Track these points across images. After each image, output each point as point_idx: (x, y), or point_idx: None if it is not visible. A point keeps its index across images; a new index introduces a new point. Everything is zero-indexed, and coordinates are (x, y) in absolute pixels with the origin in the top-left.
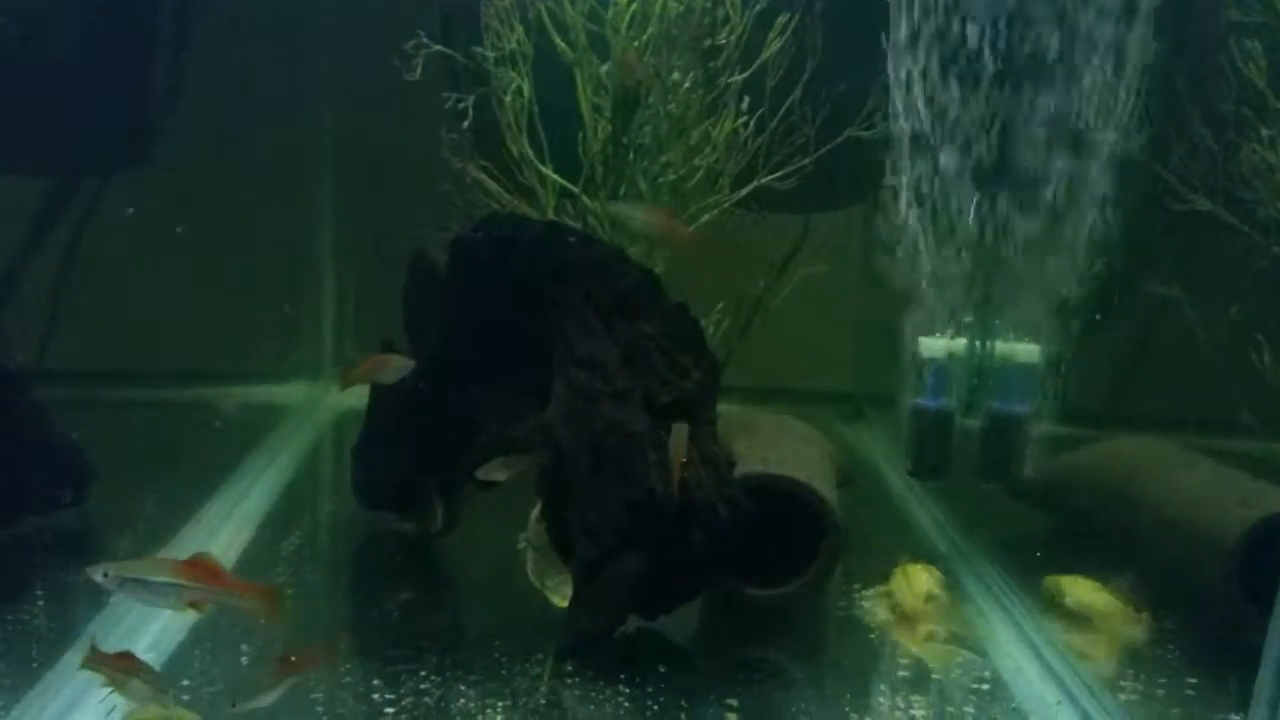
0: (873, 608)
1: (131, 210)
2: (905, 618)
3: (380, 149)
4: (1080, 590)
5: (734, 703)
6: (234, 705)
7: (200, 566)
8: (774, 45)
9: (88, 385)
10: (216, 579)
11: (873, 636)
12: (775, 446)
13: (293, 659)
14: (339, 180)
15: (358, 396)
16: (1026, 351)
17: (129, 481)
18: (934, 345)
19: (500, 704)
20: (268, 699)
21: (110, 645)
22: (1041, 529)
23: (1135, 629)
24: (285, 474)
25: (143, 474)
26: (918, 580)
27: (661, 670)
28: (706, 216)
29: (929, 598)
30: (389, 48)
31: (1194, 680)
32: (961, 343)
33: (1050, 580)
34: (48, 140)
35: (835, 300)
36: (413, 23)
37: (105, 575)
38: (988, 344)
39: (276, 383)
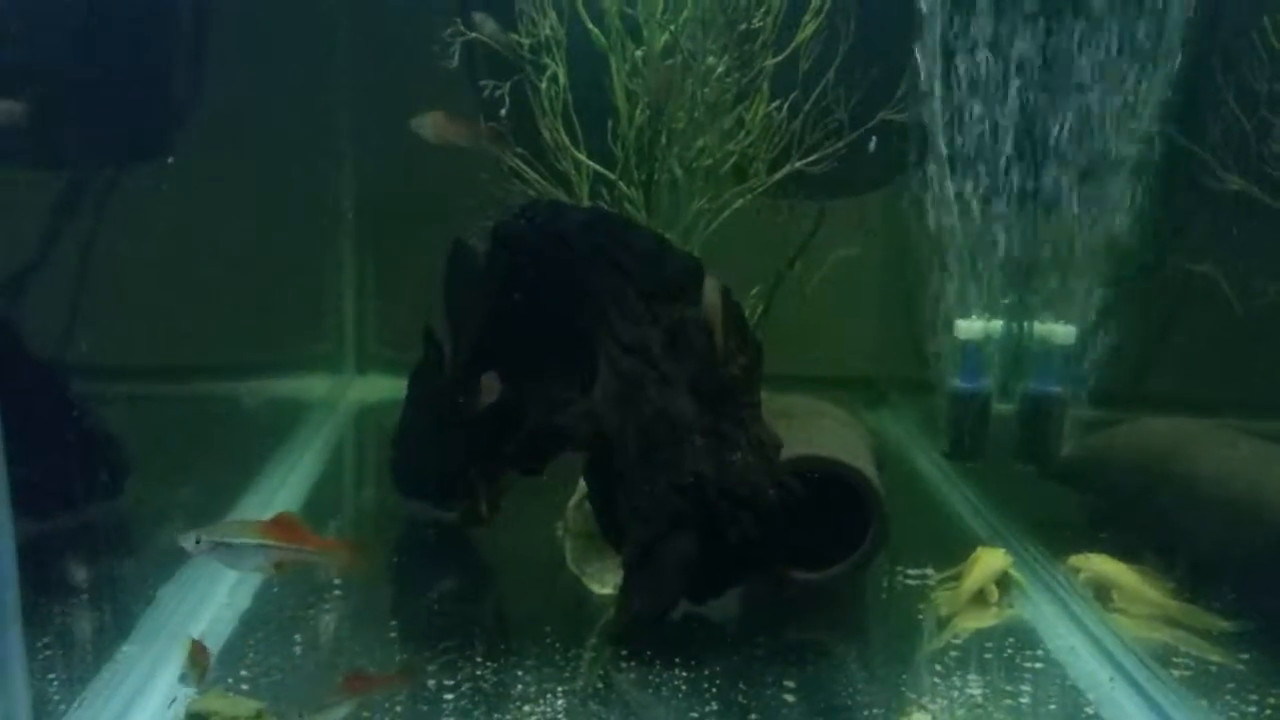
0: (938, 590)
1: (171, 159)
2: (974, 599)
3: (402, 138)
4: (1096, 563)
5: (791, 684)
6: (301, 717)
7: (284, 525)
8: (808, 28)
9: (110, 379)
10: (302, 538)
11: (921, 618)
12: (818, 430)
13: (366, 678)
14: (360, 172)
15: (378, 390)
16: (1064, 332)
17: (164, 474)
18: (971, 327)
19: (559, 688)
20: (337, 714)
21: (162, 637)
22: (1078, 510)
23: (1171, 603)
24: (317, 466)
25: (177, 467)
26: (993, 560)
27: (714, 653)
28: (740, 202)
29: (1001, 579)
30: (412, 33)
31: (1246, 656)
32: (998, 324)
33: (1076, 559)
34: (68, 133)
35: (856, 284)
36: (433, 9)
37: (197, 542)
38: (1025, 325)
39: (299, 376)
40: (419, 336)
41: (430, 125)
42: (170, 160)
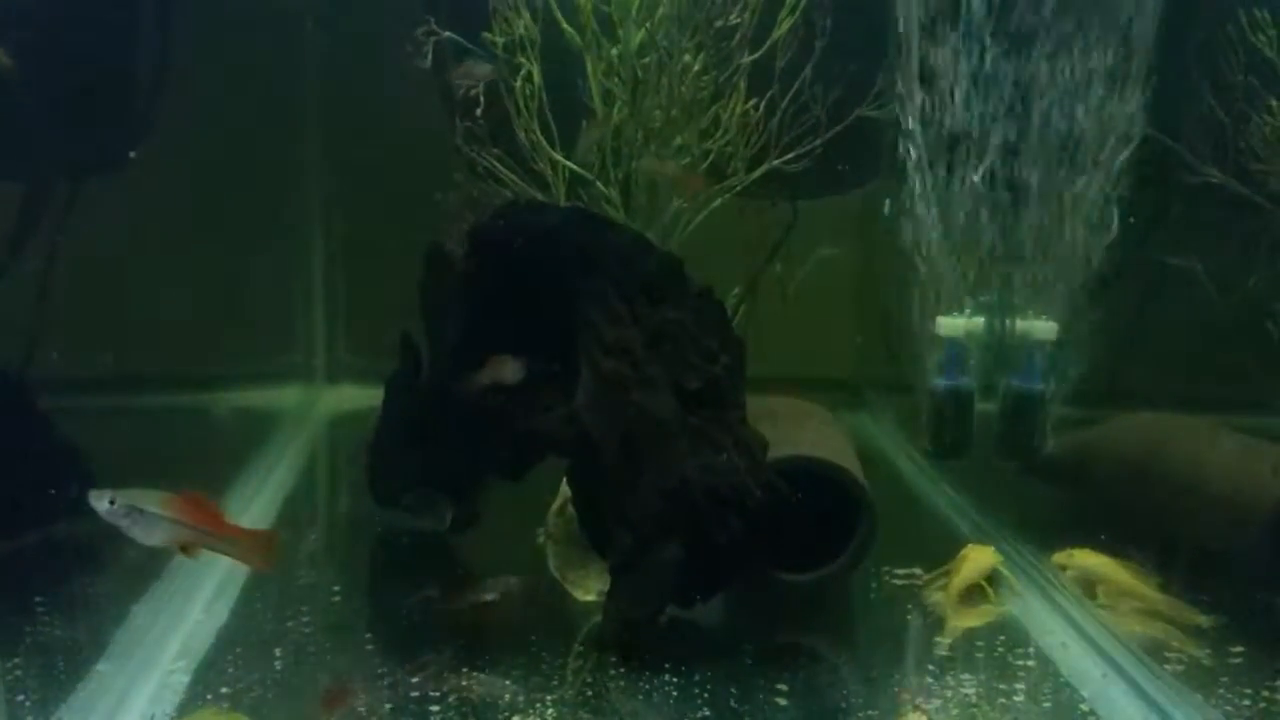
0: (927, 589)
1: (133, 154)
2: (964, 597)
3: (373, 144)
4: (1081, 559)
5: (783, 688)
6: None
7: (196, 505)
8: (785, 25)
9: (77, 391)
10: (212, 521)
11: (911, 618)
12: (804, 429)
13: (348, 691)
14: (330, 180)
15: (350, 399)
16: (1044, 328)
17: (132, 486)
18: (952, 324)
19: (548, 697)
20: None
21: (136, 655)
22: (1062, 506)
23: (1157, 597)
24: (290, 477)
25: (147, 481)
26: (982, 557)
27: (704, 658)
28: (719, 200)
29: (991, 578)
30: (380, 35)
31: (1239, 649)
32: (979, 321)
33: (1060, 555)
34: (30, 141)
35: (833, 285)
36: (401, 9)
37: (111, 504)
38: (1005, 321)
39: (270, 387)
40: (390, 345)
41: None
42: (133, 166)
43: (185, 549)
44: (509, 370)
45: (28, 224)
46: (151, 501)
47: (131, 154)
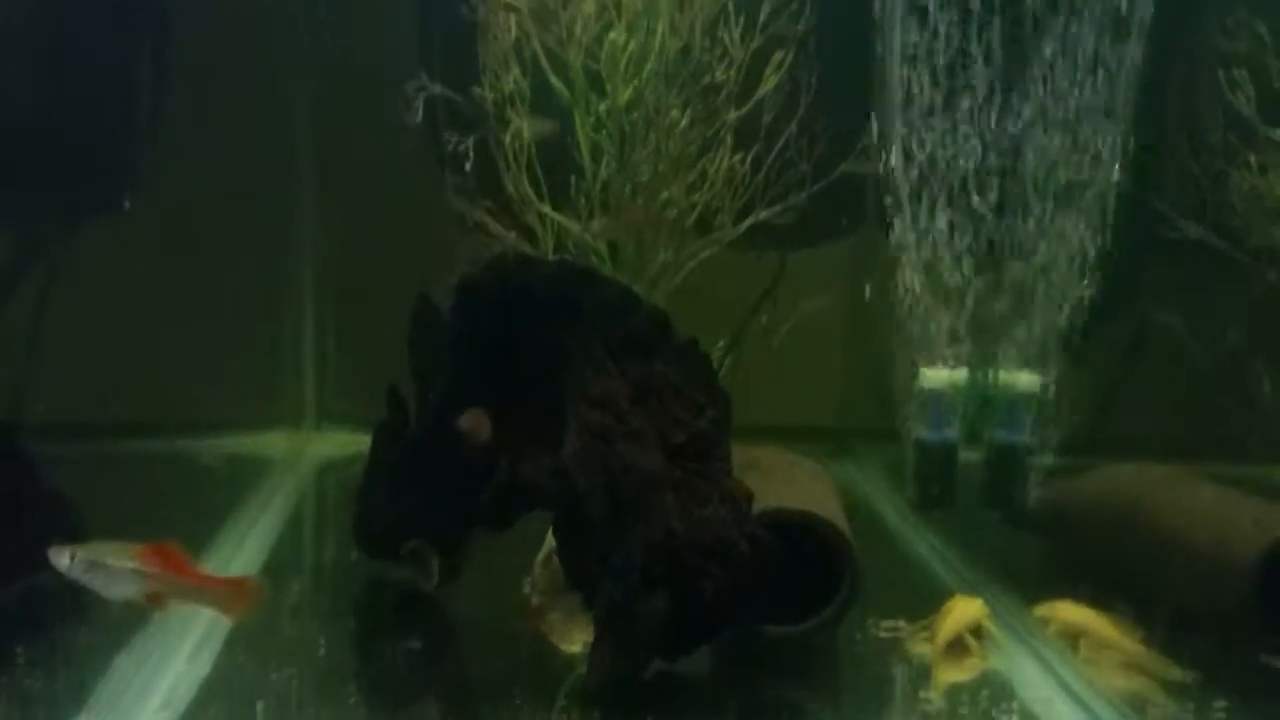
0: (912, 641)
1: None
2: (949, 650)
3: (363, 193)
4: (1063, 612)
5: None
6: None
7: (164, 555)
8: (770, 82)
9: (63, 438)
10: (181, 569)
11: (896, 671)
12: (788, 482)
13: None
14: (320, 227)
15: (339, 446)
16: (1027, 380)
17: (119, 537)
18: (936, 376)
19: None
20: None
21: (119, 706)
22: (1045, 557)
23: (1138, 649)
24: (276, 526)
25: (133, 529)
26: (968, 609)
27: (689, 712)
28: (706, 253)
29: (976, 630)
30: (374, 87)
31: (1221, 704)
32: (962, 373)
33: (1042, 608)
34: (18, 187)
35: (818, 334)
36: (397, 63)
37: (71, 560)
38: (989, 374)
39: (257, 432)
40: (379, 391)
41: None
42: (125, 213)
43: (154, 601)
44: (470, 422)
45: (18, 271)
46: (115, 554)
47: (126, 204)
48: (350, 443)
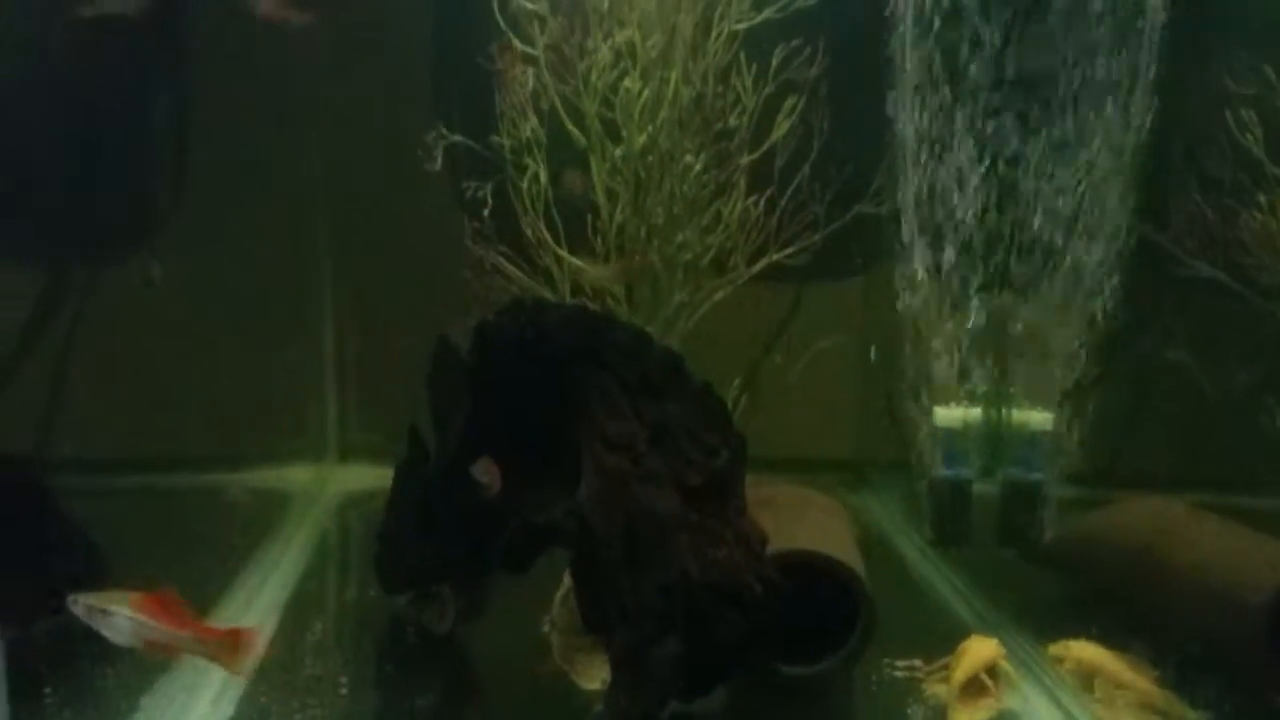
0: (928, 681)
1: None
2: (965, 690)
3: (382, 229)
4: (1077, 651)
5: None
6: None
7: (162, 604)
8: (782, 127)
9: (86, 474)
10: (179, 619)
11: (911, 711)
12: (802, 521)
13: None
14: (341, 259)
15: (361, 479)
16: (1041, 418)
17: (143, 575)
18: (950, 415)
19: None
20: None
21: None
22: (1064, 595)
23: (1152, 689)
24: (299, 561)
25: (156, 566)
26: (984, 649)
27: None
28: (720, 294)
29: (992, 670)
30: (393, 129)
31: None
32: (976, 412)
33: (1056, 647)
34: (49, 230)
35: (836, 366)
36: (415, 108)
37: (75, 604)
38: (1003, 412)
39: (280, 466)
40: (401, 424)
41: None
42: (151, 258)
43: (152, 650)
44: (481, 472)
45: (44, 308)
46: (119, 602)
47: (150, 242)
48: (373, 476)
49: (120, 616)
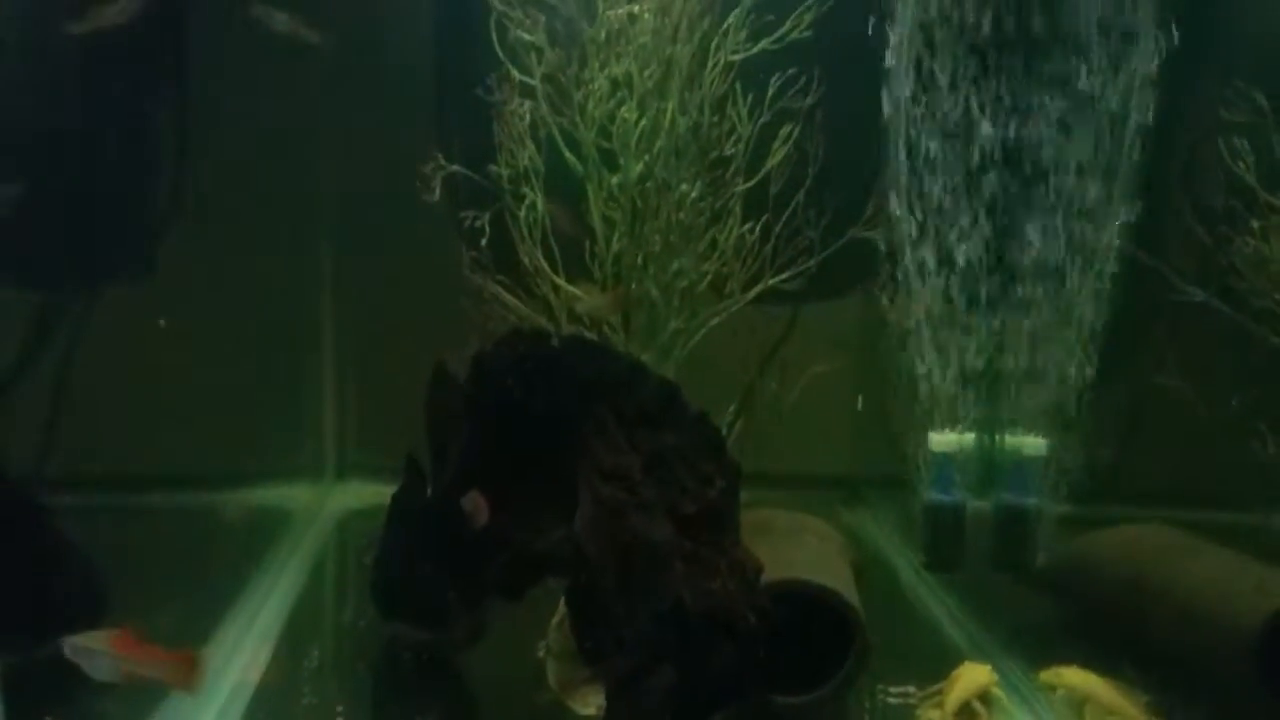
0: (921, 708)
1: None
2: (958, 717)
3: (383, 248)
4: (1068, 677)
5: None
6: None
7: (131, 639)
8: (778, 155)
9: (84, 493)
10: (141, 651)
11: None
12: (797, 547)
13: None
14: (341, 278)
15: (359, 497)
16: (1033, 445)
17: (142, 597)
18: (944, 440)
19: None
20: None
21: None
22: (1057, 619)
23: (1142, 716)
24: (298, 583)
25: (154, 588)
26: (977, 676)
27: None
28: (716, 320)
29: (985, 696)
30: (394, 152)
31: None
32: (970, 437)
33: (1047, 674)
34: (47, 249)
35: (833, 383)
36: (415, 134)
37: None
38: (996, 437)
39: (277, 485)
40: (400, 441)
41: None
42: (149, 272)
43: (128, 677)
44: (470, 505)
45: (45, 329)
46: (98, 640)
47: (152, 264)
48: (371, 494)
49: (99, 652)
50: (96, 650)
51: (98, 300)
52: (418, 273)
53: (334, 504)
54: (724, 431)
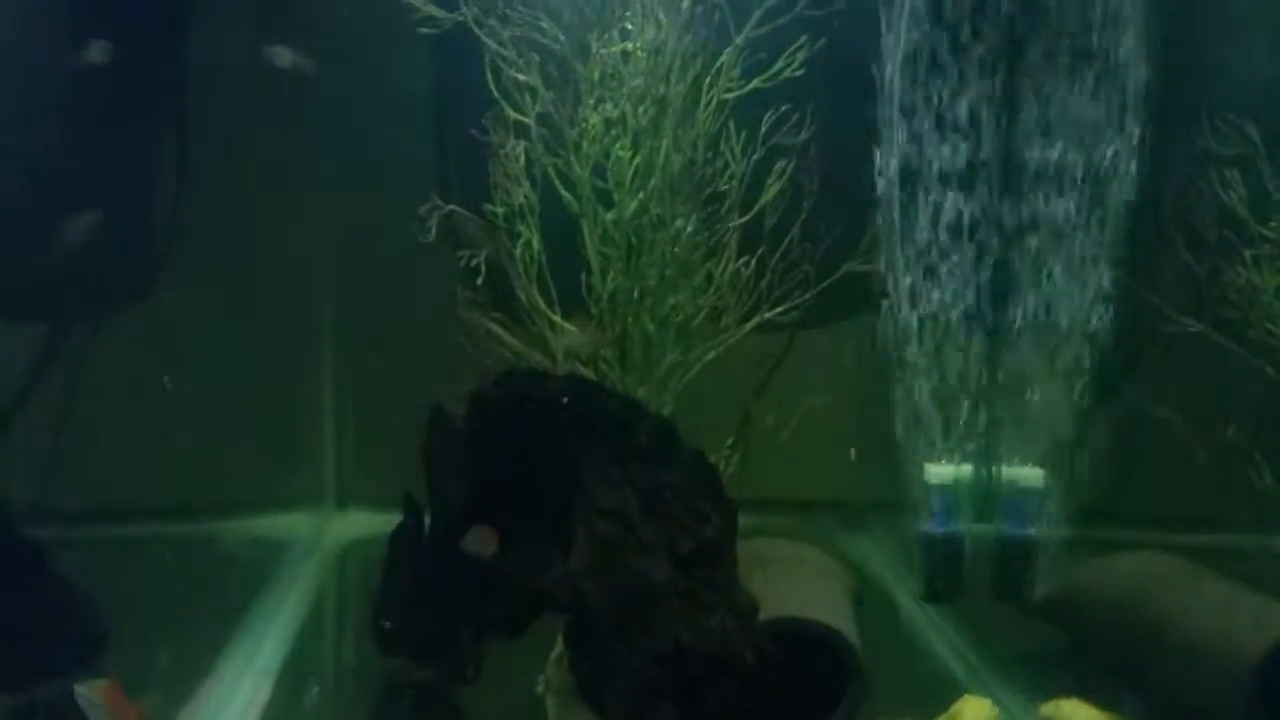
0: None
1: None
2: None
3: (381, 281)
4: (1068, 711)
5: None
6: None
7: (114, 690)
8: (771, 190)
9: (83, 524)
10: (121, 703)
11: None
12: (793, 582)
13: None
14: (340, 306)
15: (359, 526)
16: (1031, 475)
17: (139, 632)
18: (941, 471)
19: None
20: None
21: None
22: (1057, 649)
23: None
24: (296, 617)
25: (152, 623)
26: (977, 710)
27: None
28: (713, 354)
29: None
30: (395, 186)
31: None
32: (967, 468)
33: (1046, 707)
34: (45, 279)
35: (833, 405)
36: (415, 168)
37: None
38: (993, 468)
39: (278, 514)
40: (399, 470)
41: None
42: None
43: None
44: (476, 540)
45: (43, 358)
46: (95, 690)
47: (150, 292)
48: (371, 523)
49: (93, 703)
50: (94, 702)
51: (96, 330)
52: (418, 301)
53: (333, 533)
54: (723, 461)
